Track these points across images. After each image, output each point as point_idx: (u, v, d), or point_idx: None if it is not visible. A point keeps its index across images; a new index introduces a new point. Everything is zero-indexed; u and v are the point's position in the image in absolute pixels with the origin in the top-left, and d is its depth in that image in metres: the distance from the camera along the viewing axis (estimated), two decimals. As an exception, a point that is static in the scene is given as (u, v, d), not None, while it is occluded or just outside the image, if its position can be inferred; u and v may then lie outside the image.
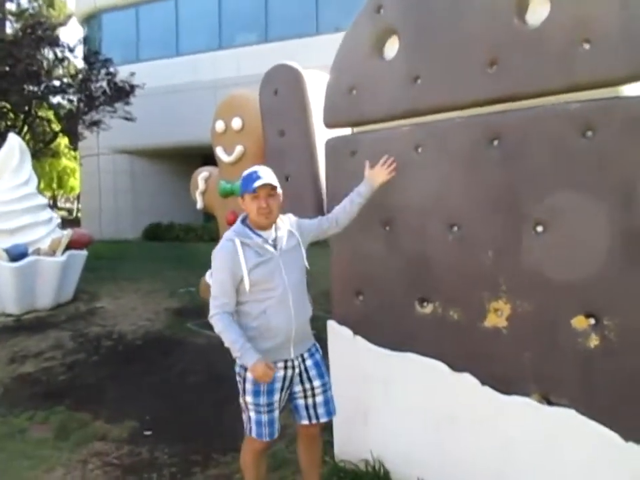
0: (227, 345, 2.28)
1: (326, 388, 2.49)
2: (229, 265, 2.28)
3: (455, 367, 2.52)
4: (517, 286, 2.33)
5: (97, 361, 5.33)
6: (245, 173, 2.39)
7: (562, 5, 2.14)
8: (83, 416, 3.98)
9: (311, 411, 2.47)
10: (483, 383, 2.43)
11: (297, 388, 2.45)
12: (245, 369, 2.35)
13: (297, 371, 2.41)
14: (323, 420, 2.50)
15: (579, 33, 2.09)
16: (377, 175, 2.62)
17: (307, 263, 2.47)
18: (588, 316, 2.17)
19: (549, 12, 2.18)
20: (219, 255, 2.34)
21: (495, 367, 2.41)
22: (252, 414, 2.39)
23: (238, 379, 2.42)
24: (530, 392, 2.32)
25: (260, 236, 2.34)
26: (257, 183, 2.28)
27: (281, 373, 2.36)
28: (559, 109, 2.17)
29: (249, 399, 2.38)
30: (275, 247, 2.35)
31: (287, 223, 2.46)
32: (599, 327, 2.14)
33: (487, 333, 2.42)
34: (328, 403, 2.50)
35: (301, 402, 2.47)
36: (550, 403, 2.28)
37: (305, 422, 2.49)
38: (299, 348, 2.42)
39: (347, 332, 2.89)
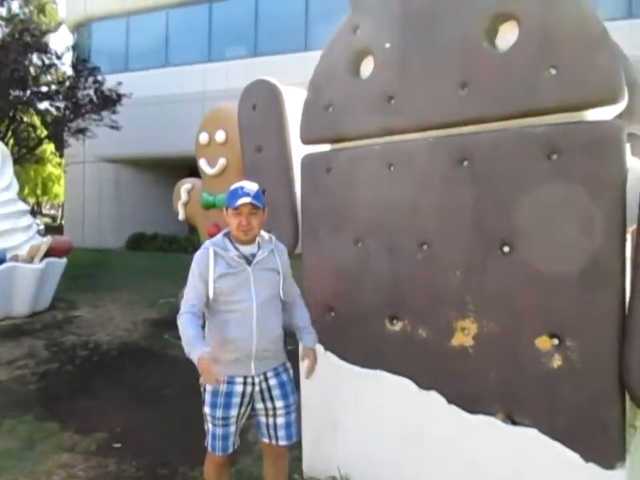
0: (183, 342, 2.23)
1: (289, 410, 2.43)
2: (200, 269, 2.32)
3: (423, 384, 2.54)
4: (484, 305, 2.35)
5: (71, 371, 5.26)
6: (232, 187, 2.39)
7: (529, 31, 2.20)
8: (52, 426, 3.91)
9: (271, 431, 2.43)
10: (450, 401, 2.45)
11: (259, 405, 2.42)
12: None
13: (257, 388, 2.37)
14: (282, 443, 2.44)
15: (545, 58, 2.15)
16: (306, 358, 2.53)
17: (282, 293, 2.43)
18: (552, 336, 2.20)
19: (517, 37, 2.24)
20: (194, 259, 2.39)
21: (461, 385, 2.43)
22: (209, 426, 2.38)
23: (201, 388, 2.42)
24: (495, 411, 2.34)
25: (237, 249, 2.36)
26: (240, 201, 2.29)
27: (239, 389, 2.33)
28: (526, 132, 2.22)
29: (207, 410, 2.37)
30: (249, 261, 2.34)
31: (271, 243, 2.45)
32: (561, 347, 2.17)
33: (454, 352, 2.44)
34: (290, 426, 2.44)
35: (262, 420, 2.45)
36: (514, 423, 2.30)
37: (266, 440, 2.47)
38: (261, 366, 2.37)
39: (318, 347, 2.89)
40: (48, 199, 33.96)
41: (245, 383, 2.35)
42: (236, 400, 2.33)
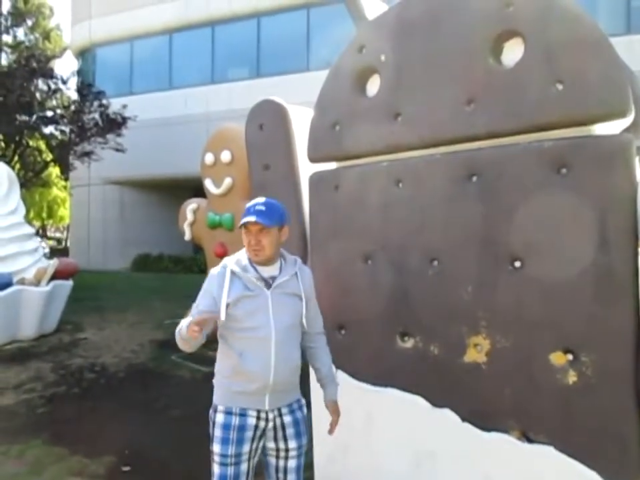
0: (182, 342, 2.10)
1: (301, 452, 2.26)
2: (213, 289, 2.16)
3: (436, 402, 2.51)
4: (496, 321, 2.33)
5: (78, 394, 5.23)
6: (248, 204, 2.23)
7: (535, 46, 2.22)
8: (60, 450, 3.89)
9: (281, 475, 2.25)
10: (463, 419, 2.42)
11: (271, 445, 2.23)
12: (215, 411, 2.19)
13: (270, 424, 2.19)
14: None
15: (551, 73, 2.16)
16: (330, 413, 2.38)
17: (305, 322, 2.26)
18: (566, 352, 2.17)
19: (522, 53, 2.25)
20: (209, 278, 2.22)
21: (474, 403, 2.40)
22: (216, 468, 2.16)
23: (210, 422, 2.23)
24: (510, 429, 2.30)
25: (256, 271, 2.18)
26: (245, 220, 2.14)
27: (252, 422, 2.15)
28: (534, 147, 2.23)
29: (216, 448, 2.16)
30: (268, 284, 2.17)
31: (295, 266, 2.28)
32: (576, 363, 2.14)
33: (466, 369, 2.42)
34: (299, 469, 2.27)
35: (272, 461, 2.26)
36: (530, 440, 2.26)
37: None
38: (277, 400, 2.19)
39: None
40: (53, 222, 34.16)
41: (258, 418, 2.17)
42: (249, 434, 2.15)
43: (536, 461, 2.21)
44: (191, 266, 16.96)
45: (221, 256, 6.29)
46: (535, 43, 2.23)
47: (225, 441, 2.14)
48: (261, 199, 2.22)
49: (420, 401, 2.54)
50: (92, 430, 4.27)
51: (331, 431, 2.35)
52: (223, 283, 2.13)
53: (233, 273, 2.16)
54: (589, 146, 2.12)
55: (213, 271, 2.22)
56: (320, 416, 2.76)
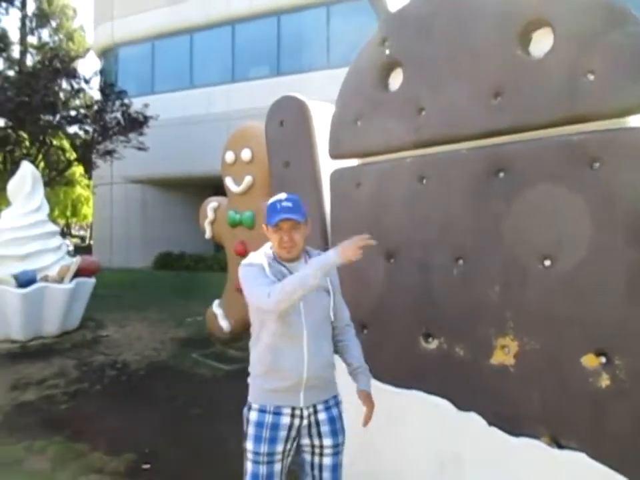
0: (300, 290, 1.95)
1: (337, 450, 2.21)
2: (259, 269, 2.10)
3: (461, 405, 2.43)
4: (525, 322, 2.25)
5: (99, 391, 5.26)
6: (270, 200, 2.19)
7: (565, 36, 2.13)
8: (81, 447, 3.90)
9: (316, 472, 2.20)
10: (490, 423, 2.34)
11: (305, 441, 2.19)
12: (249, 409, 2.18)
13: (305, 422, 2.15)
14: None
15: (582, 64, 2.08)
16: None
17: (332, 315, 2.23)
18: (598, 354, 2.08)
19: (552, 43, 2.17)
20: (249, 267, 2.14)
21: (502, 406, 2.32)
22: (249, 465, 2.13)
23: (244, 419, 2.20)
24: (539, 434, 2.22)
25: (284, 266, 2.16)
26: (278, 218, 2.10)
27: (286, 421, 2.12)
28: (564, 140, 2.14)
29: (249, 445, 2.13)
30: None
31: None
32: (609, 366, 2.05)
33: (493, 371, 2.34)
34: (336, 468, 2.20)
35: (307, 457, 2.22)
36: (560, 446, 2.18)
37: None
38: (311, 397, 2.15)
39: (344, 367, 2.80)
40: (77, 220, 34.69)
41: (292, 415, 2.13)
42: (282, 433, 2.11)
43: (567, 467, 2.12)
44: (212, 264, 17.01)
45: (242, 254, 6.27)
46: (565, 33, 2.15)
47: (257, 439, 2.12)
48: (283, 195, 2.18)
49: (445, 403, 2.47)
50: (113, 427, 4.28)
51: (365, 423, 2.27)
52: (265, 272, 2.10)
53: (269, 264, 2.14)
54: (623, 139, 2.03)
55: (250, 262, 2.16)
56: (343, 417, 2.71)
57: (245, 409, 2.22)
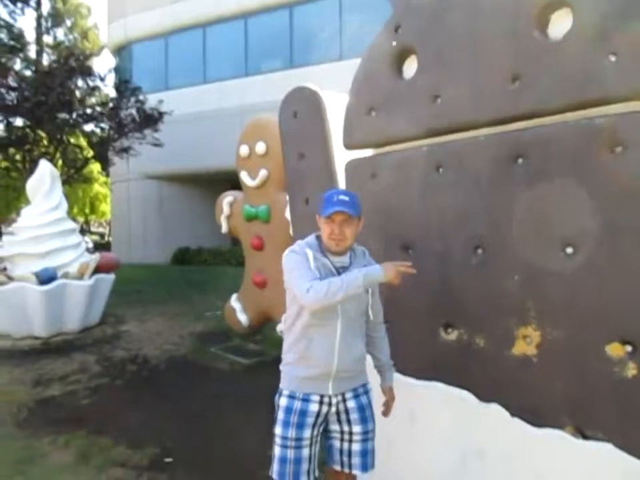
0: (342, 294, 2.01)
1: (367, 437, 2.26)
2: (304, 259, 2.14)
3: (483, 397, 2.39)
4: (547, 311, 2.20)
5: (121, 386, 5.32)
6: (327, 192, 2.24)
7: (584, 16, 2.06)
8: (104, 441, 3.95)
9: (345, 458, 2.26)
10: (513, 414, 2.30)
11: (334, 427, 2.26)
12: (280, 395, 2.24)
13: (333, 409, 2.22)
14: (356, 472, 2.26)
15: (603, 44, 2.01)
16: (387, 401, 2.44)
17: (371, 313, 2.30)
18: (624, 343, 2.03)
19: (571, 24, 2.10)
20: (293, 255, 2.18)
21: (524, 397, 2.28)
22: (277, 450, 2.19)
23: (275, 407, 2.28)
24: (563, 425, 2.17)
25: (328, 259, 2.19)
26: (332, 210, 2.13)
27: (315, 408, 2.18)
28: (585, 124, 2.07)
29: (277, 430, 2.21)
30: (338, 274, 2.16)
31: (364, 259, 2.29)
32: (636, 354, 2.00)
33: (515, 361, 2.29)
34: (366, 454, 2.25)
35: (336, 443, 2.28)
36: (585, 437, 2.13)
37: (337, 467, 2.29)
38: (340, 386, 2.22)
39: (370, 360, 2.79)
40: (96, 217, 35.08)
41: (321, 402, 2.20)
42: (310, 420, 2.18)
43: (593, 458, 2.07)
44: (229, 258, 17.10)
45: (258, 248, 6.27)
46: (585, 13, 2.08)
47: (286, 424, 2.18)
48: (340, 189, 2.28)
49: (466, 395, 2.44)
50: (135, 421, 4.32)
51: (385, 414, 2.40)
52: (309, 263, 2.14)
53: (313, 256, 2.17)
54: (647, 121, 1.96)
55: (295, 249, 2.21)
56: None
57: (277, 396, 2.28)
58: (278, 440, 2.20)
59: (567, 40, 2.12)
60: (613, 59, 2.00)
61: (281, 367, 2.32)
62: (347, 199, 2.17)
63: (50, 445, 3.91)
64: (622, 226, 2.01)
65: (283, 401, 2.23)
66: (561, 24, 2.16)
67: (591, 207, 2.07)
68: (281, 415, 2.21)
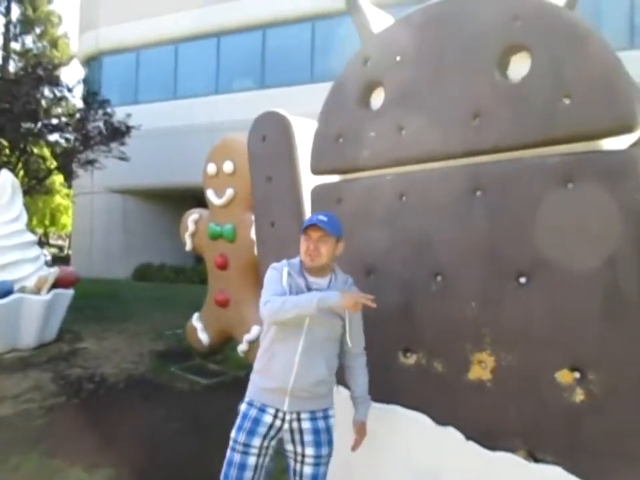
0: (294, 312, 2.12)
1: (319, 462, 2.27)
2: (279, 280, 2.25)
3: (439, 420, 2.46)
4: (501, 338, 2.30)
5: (77, 405, 5.17)
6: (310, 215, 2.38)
7: (542, 61, 2.20)
8: (58, 463, 3.82)
9: (297, 479, 2.30)
10: (468, 437, 2.37)
11: (289, 447, 2.30)
12: (242, 401, 2.32)
13: (286, 425, 2.25)
14: None
15: (559, 88, 2.14)
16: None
17: (348, 341, 2.32)
18: (573, 369, 2.13)
19: (529, 68, 2.23)
20: (272, 270, 2.32)
21: (479, 421, 2.35)
22: (228, 452, 2.26)
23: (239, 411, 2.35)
24: (516, 448, 2.25)
25: (305, 279, 2.28)
26: (308, 223, 2.27)
27: (268, 419, 2.24)
28: (540, 161, 2.20)
29: (232, 433, 2.28)
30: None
31: (345, 286, 2.34)
32: (584, 381, 2.10)
33: (471, 386, 2.37)
34: (316, 478, 2.27)
35: (291, 463, 2.33)
36: (536, 460, 2.21)
37: None
38: (296, 404, 2.25)
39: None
40: (55, 229, 34.20)
41: (275, 416, 2.25)
42: (262, 429, 2.23)
43: (542, 481, 2.15)
44: (192, 276, 16.90)
45: (222, 267, 6.25)
46: (542, 57, 2.22)
47: (238, 429, 2.26)
48: (322, 212, 2.35)
49: (423, 418, 2.50)
50: (90, 442, 4.21)
51: (354, 449, 2.44)
52: (282, 279, 2.23)
53: (288, 273, 2.26)
54: (597, 161, 2.09)
55: (276, 265, 2.33)
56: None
57: (242, 401, 2.35)
58: (230, 442, 2.27)
59: (525, 82, 2.25)
60: (567, 101, 2.14)
61: (251, 375, 2.40)
62: (325, 218, 2.27)
63: (-1, 466, 3.78)
64: (573, 257, 2.12)
65: (242, 407, 2.31)
66: (520, 66, 2.30)
67: (543, 239, 2.18)
68: (237, 420, 2.30)
